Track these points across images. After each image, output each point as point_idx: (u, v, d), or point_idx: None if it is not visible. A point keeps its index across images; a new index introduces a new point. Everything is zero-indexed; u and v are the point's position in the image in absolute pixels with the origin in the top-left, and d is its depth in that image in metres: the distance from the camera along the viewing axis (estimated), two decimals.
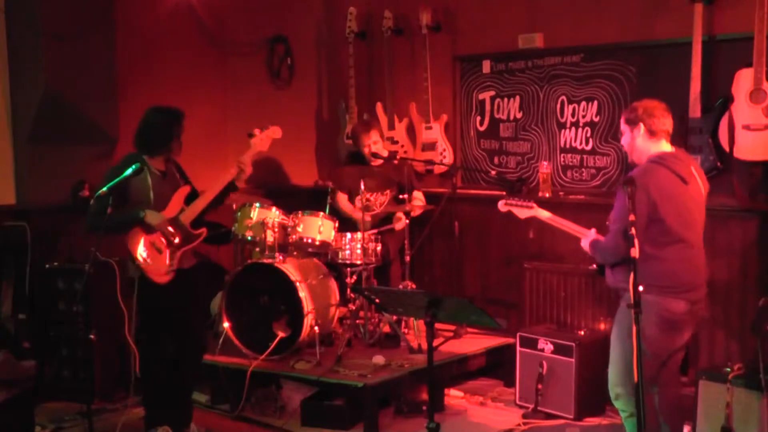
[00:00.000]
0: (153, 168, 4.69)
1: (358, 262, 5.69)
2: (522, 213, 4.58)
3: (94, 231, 4.50)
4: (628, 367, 3.79)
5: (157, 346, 4.75)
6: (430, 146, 6.51)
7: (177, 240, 4.69)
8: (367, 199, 6.00)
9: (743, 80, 4.82)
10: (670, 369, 4.14)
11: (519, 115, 6.14)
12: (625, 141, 4.17)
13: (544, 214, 4.50)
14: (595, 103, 5.71)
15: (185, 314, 4.85)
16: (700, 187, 4.12)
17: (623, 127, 4.15)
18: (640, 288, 3.41)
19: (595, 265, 4.28)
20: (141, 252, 4.64)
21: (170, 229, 4.67)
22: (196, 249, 4.89)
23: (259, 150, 4.99)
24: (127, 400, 5.64)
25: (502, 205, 4.67)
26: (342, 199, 6.22)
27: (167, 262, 4.68)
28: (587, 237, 4.24)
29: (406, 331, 5.80)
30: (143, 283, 4.70)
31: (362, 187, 5.78)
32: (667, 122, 4.08)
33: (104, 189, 4.36)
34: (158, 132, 4.67)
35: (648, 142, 4.05)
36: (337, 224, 5.76)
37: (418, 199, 6.14)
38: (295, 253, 5.77)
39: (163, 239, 4.69)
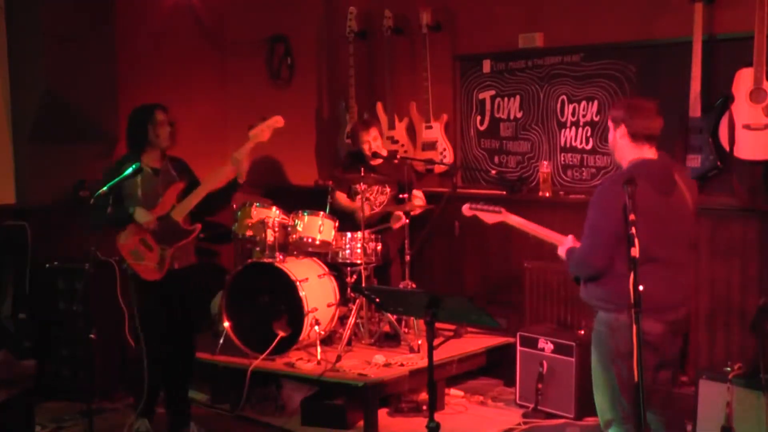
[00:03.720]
0: (145, 166, 4.68)
1: (358, 261, 5.69)
2: (489, 218, 4.11)
3: (96, 229, 4.60)
4: (615, 391, 3.72)
5: (150, 345, 4.75)
6: (431, 146, 6.51)
7: (165, 237, 4.70)
8: (367, 198, 6.00)
9: (743, 80, 4.82)
10: (660, 389, 3.81)
11: (519, 115, 6.13)
12: (609, 139, 3.83)
13: (513, 219, 4.05)
14: (596, 102, 5.71)
15: (177, 315, 4.85)
16: (685, 197, 3.64)
17: (609, 123, 3.80)
18: (641, 289, 3.30)
19: None
20: (130, 250, 4.66)
21: (158, 227, 4.67)
22: (195, 247, 4.90)
23: (259, 141, 4.85)
24: (127, 399, 5.66)
25: (466, 209, 4.17)
26: (341, 196, 6.21)
27: (157, 259, 4.69)
28: (564, 244, 3.92)
29: (406, 330, 5.80)
30: (135, 281, 4.74)
31: (361, 186, 5.78)
32: (652, 125, 3.63)
33: (104, 189, 4.35)
34: (134, 129, 4.75)
35: (629, 145, 3.68)
36: (337, 224, 5.76)
37: (418, 198, 6.13)
38: (295, 252, 5.77)
39: (151, 236, 4.69)
